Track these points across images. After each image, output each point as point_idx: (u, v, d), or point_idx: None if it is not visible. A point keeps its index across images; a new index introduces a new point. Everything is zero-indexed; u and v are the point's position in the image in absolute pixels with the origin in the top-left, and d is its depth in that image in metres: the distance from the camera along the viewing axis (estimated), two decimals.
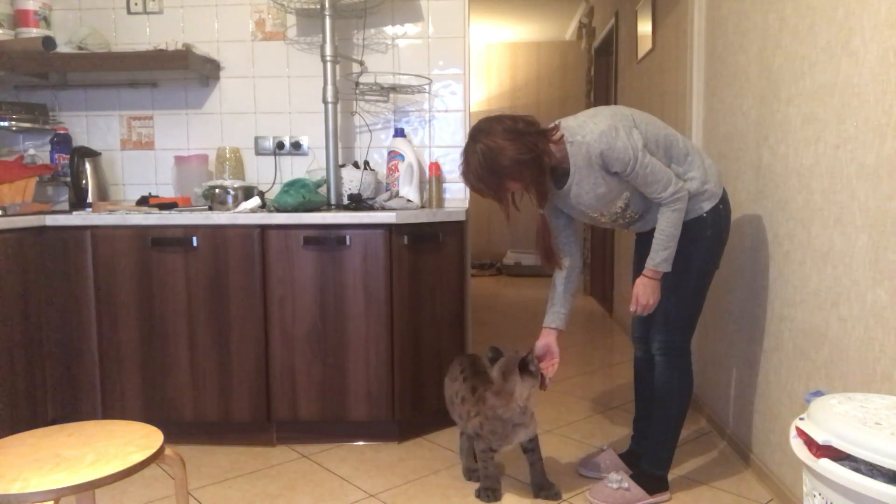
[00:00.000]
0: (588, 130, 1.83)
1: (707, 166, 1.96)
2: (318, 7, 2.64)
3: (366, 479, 2.22)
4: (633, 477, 2.04)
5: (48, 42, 2.67)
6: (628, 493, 2.00)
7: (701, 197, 1.93)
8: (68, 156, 2.83)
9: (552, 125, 1.90)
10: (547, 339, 2.09)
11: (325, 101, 2.65)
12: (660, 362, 2.04)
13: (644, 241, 2.05)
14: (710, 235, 1.96)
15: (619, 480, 2.02)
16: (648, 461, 2.07)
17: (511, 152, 1.79)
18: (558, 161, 1.89)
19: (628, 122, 1.85)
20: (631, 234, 2.20)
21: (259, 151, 2.98)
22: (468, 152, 1.85)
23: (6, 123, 2.80)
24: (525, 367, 1.96)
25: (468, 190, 2.94)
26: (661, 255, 1.90)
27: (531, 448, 2.06)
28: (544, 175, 1.88)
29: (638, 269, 2.03)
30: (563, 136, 1.86)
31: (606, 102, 5.28)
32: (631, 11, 4.22)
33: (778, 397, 2.04)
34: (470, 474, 2.20)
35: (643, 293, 1.94)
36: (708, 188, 1.94)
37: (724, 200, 1.98)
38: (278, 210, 2.44)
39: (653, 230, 1.93)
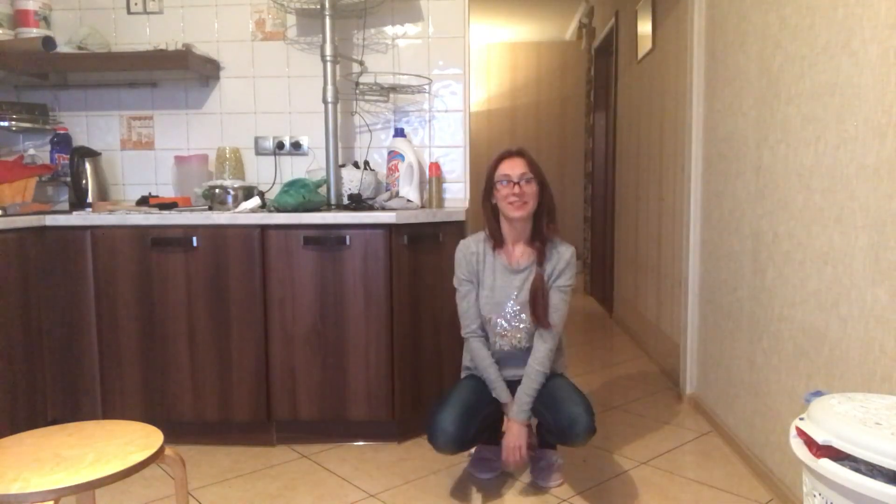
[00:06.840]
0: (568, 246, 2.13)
1: None
2: (318, 7, 2.64)
3: (366, 479, 2.22)
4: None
5: (48, 42, 2.67)
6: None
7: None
8: (68, 156, 2.83)
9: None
10: (519, 430, 2.07)
11: (325, 101, 2.65)
12: None
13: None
14: None
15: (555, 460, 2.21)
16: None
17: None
18: (545, 238, 2.09)
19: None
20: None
21: (259, 151, 2.98)
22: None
23: (6, 123, 2.80)
24: None
25: (468, 190, 2.96)
26: (529, 404, 2.05)
27: None
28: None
29: None
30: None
31: (606, 102, 5.29)
32: (631, 11, 4.22)
33: (778, 397, 2.04)
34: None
35: (523, 440, 2.05)
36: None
37: None
38: (278, 210, 2.44)
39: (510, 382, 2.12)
